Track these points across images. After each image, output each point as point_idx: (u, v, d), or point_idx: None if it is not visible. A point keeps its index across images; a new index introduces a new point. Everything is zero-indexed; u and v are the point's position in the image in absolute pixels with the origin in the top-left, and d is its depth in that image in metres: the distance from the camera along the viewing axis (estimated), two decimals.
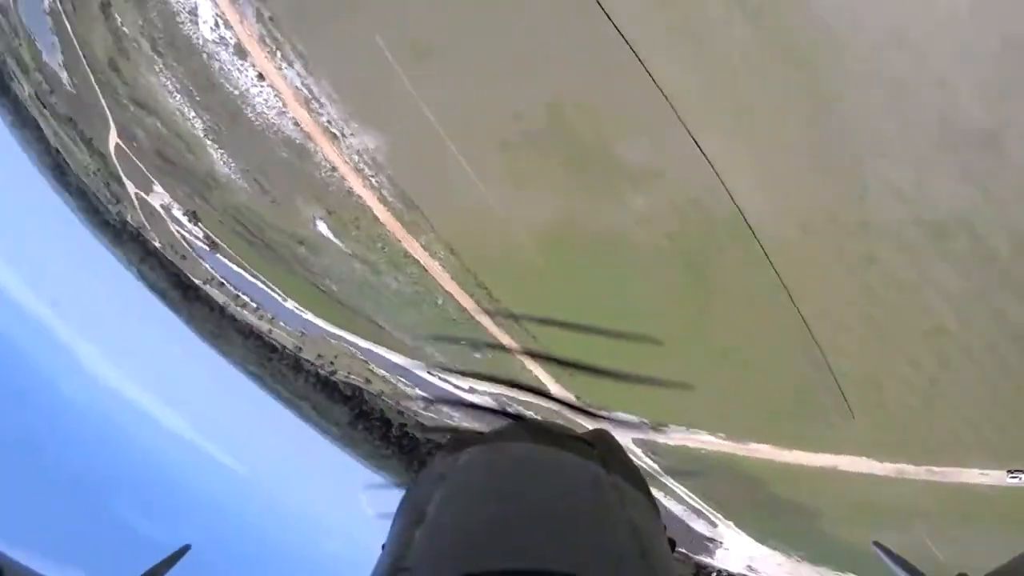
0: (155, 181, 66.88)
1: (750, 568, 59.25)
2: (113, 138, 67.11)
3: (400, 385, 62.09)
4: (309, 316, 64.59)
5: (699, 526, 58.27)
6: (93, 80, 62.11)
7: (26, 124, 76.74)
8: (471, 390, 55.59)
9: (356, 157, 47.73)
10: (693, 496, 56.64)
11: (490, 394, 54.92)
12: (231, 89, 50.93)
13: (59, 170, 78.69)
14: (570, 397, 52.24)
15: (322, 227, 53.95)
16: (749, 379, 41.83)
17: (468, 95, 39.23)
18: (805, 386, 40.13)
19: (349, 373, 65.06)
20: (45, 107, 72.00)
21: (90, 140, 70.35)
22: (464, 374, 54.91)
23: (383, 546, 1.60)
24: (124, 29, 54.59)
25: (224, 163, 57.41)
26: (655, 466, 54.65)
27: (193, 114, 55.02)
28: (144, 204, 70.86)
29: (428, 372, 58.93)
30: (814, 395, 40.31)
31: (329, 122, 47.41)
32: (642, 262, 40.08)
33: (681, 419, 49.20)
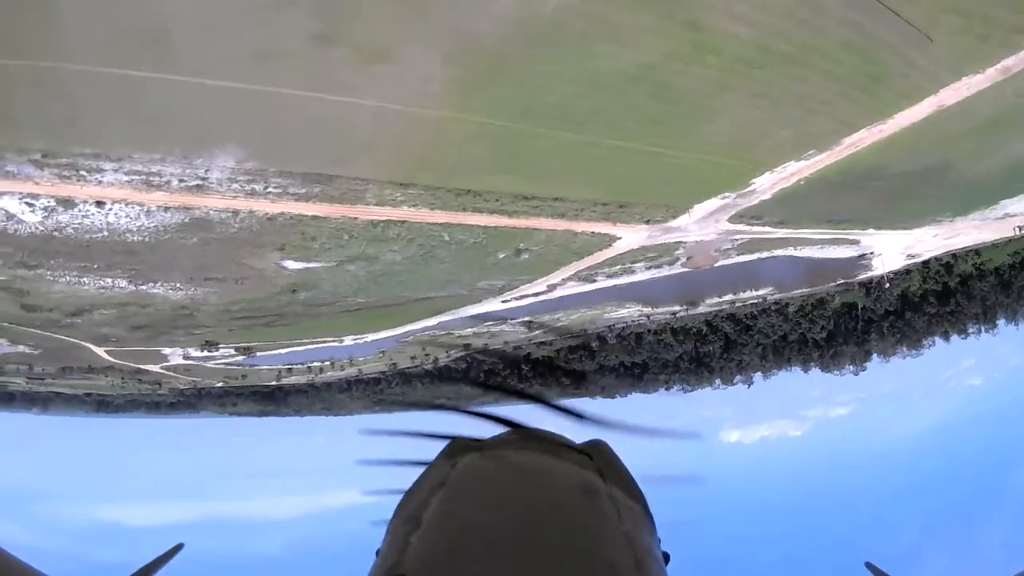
0: (156, 349, 63.39)
1: (910, 256, 55.99)
2: (99, 351, 64.75)
3: (492, 329, 56.35)
4: (371, 337, 59.41)
5: (842, 252, 54.36)
6: (38, 331, 58.28)
7: (49, 401, 77.45)
8: (550, 288, 49.29)
9: (236, 186, 39.64)
10: (819, 231, 51.32)
11: (569, 278, 48.29)
12: (100, 234, 45.56)
13: (104, 404, 78.69)
14: (642, 228, 45.84)
15: (290, 264, 48.02)
16: (800, 72, 33.19)
17: (236, 30, 28.14)
18: (861, 39, 31.89)
19: (447, 351, 59.87)
20: (43, 380, 71.12)
21: (90, 367, 68.19)
22: (531, 281, 48.31)
23: (377, 552, 1.52)
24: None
25: (172, 290, 52.67)
26: (765, 229, 48.82)
27: (109, 280, 50.46)
28: (173, 369, 67.94)
29: (502, 301, 52.68)
30: (877, 43, 32.21)
31: (181, 180, 39.21)
32: (584, 32, 28.90)
33: (761, 166, 41.77)
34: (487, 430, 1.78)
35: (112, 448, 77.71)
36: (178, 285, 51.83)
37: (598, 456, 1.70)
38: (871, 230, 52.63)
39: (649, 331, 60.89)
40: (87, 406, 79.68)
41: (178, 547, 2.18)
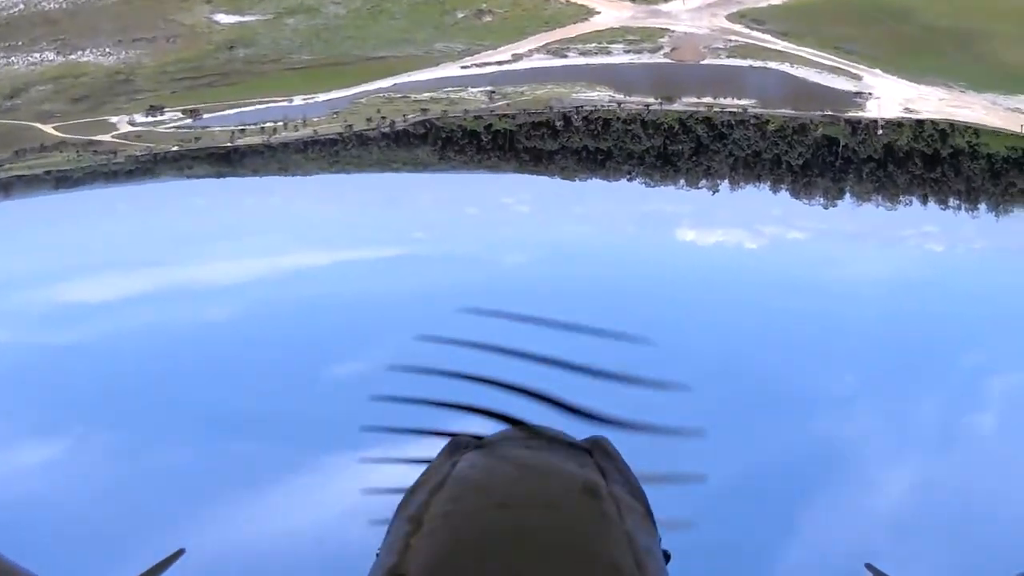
0: (103, 118, 60.81)
1: (908, 110, 52.13)
2: (47, 128, 62.47)
3: (451, 95, 53.87)
4: (321, 97, 56.97)
5: (840, 83, 50.90)
6: None
7: (9, 186, 75.24)
8: (515, 57, 46.27)
9: None
10: (823, 54, 48.12)
11: (537, 50, 45.46)
12: (16, 9, 45.76)
13: (63, 180, 76.48)
14: (626, 6, 44.08)
15: (222, 17, 45.85)
16: None
17: None
18: None
19: (404, 116, 57.74)
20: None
21: (42, 146, 65.48)
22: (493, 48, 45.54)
23: (377, 553, 1.49)
24: None
25: (103, 56, 50.89)
26: (766, 37, 46.24)
27: (37, 55, 50.38)
28: (124, 136, 65.50)
29: (461, 67, 50.18)
30: None
31: None
32: None
33: None
34: (486, 429, 1.80)
35: (72, 227, 76.95)
36: (107, 50, 49.17)
37: (599, 453, 1.72)
38: (877, 70, 49.52)
39: (618, 119, 57.61)
40: (47, 184, 77.56)
41: (179, 552, 2.16)
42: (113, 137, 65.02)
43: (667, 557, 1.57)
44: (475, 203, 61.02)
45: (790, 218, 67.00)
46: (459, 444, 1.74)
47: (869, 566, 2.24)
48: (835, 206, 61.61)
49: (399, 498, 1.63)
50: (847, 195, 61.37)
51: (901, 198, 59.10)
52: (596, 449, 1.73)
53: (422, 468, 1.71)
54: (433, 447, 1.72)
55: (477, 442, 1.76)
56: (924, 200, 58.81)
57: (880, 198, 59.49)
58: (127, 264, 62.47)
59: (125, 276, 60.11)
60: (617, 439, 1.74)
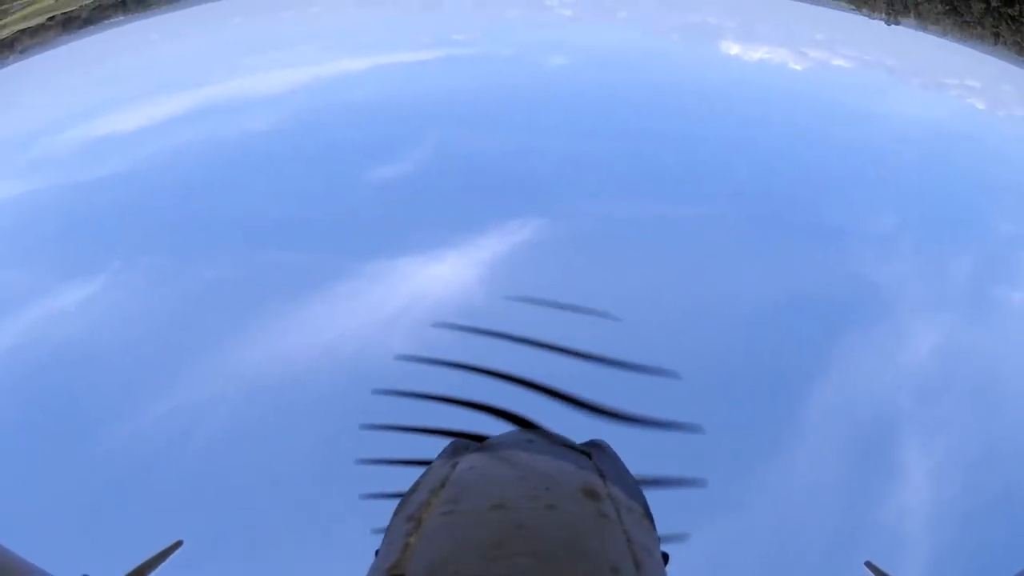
0: None
1: None
2: None
3: None
4: None
5: None
6: None
7: (15, 42, 71.90)
8: None
9: None
10: None
11: None
12: None
13: (70, 21, 72.71)
14: None
15: None
16: None
17: None
18: None
19: None
20: None
21: None
22: None
23: (376, 552, 1.51)
24: None
25: None
26: None
27: None
28: None
29: None
30: None
31: None
32: None
33: None
34: (487, 428, 1.71)
35: (94, 68, 74.78)
36: None
37: (598, 456, 1.67)
38: None
39: None
40: (54, 30, 74.11)
41: (177, 544, 2.11)
42: None
43: (666, 558, 1.54)
44: (516, 5, 58.26)
45: (833, 44, 64.67)
46: (459, 446, 1.72)
47: (869, 564, 2.21)
48: (899, 23, 57.61)
49: (398, 498, 1.64)
50: (912, 18, 57.42)
51: (972, 32, 54.69)
52: (595, 451, 1.72)
53: (421, 469, 1.69)
54: (433, 448, 1.70)
55: (477, 444, 1.72)
56: (996, 38, 55.30)
57: (950, 26, 56.18)
58: (158, 90, 60.50)
59: (157, 103, 57.72)
60: (616, 439, 1.72)
